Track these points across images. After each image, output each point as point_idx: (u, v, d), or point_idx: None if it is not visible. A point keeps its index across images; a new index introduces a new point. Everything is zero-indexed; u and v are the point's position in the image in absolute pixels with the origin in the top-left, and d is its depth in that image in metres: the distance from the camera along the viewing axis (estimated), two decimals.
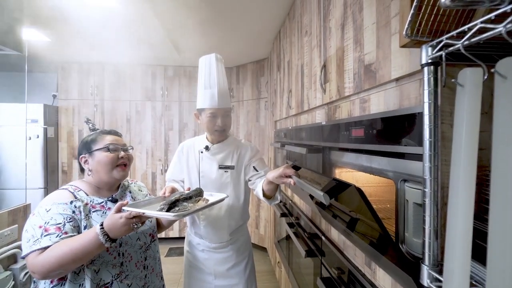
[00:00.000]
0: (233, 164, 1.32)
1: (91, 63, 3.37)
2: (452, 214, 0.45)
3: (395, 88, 0.73)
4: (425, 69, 0.54)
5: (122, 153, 1.00)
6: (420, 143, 0.63)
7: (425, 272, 0.53)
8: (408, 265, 0.64)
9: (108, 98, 3.41)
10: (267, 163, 3.12)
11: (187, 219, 1.39)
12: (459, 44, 0.44)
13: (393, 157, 0.73)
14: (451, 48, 0.47)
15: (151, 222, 1.09)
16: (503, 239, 0.35)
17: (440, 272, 0.52)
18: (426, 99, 0.54)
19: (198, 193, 1.04)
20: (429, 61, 0.53)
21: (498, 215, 0.36)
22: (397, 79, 0.72)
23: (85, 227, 0.88)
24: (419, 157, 0.64)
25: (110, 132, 1.03)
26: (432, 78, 0.53)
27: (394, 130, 0.71)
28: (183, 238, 3.64)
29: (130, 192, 1.09)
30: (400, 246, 0.71)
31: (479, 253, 0.52)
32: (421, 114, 0.62)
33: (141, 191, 1.16)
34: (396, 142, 0.70)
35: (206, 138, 1.36)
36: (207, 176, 1.31)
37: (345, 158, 1.04)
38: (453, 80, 0.45)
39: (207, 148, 1.31)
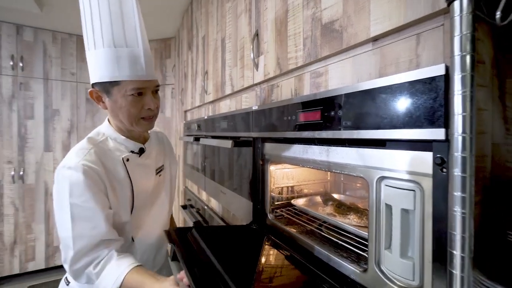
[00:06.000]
0: (162, 162, 0.93)
1: None
2: None
3: (372, 52, 0.53)
4: (456, 3, 0.35)
5: None
6: (413, 124, 0.44)
7: None
8: None
9: None
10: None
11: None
12: None
13: (367, 146, 0.54)
14: None
15: None
16: None
17: None
18: (456, 51, 0.34)
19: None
20: None
21: None
22: (375, 39, 0.52)
23: None
24: (410, 145, 0.47)
25: None
26: (467, 17, 0.34)
27: (374, 108, 0.51)
28: (51, 268, 2.63)
29: None
30: (376, 269, 0.52)
31: None
32: (418, 82, 0.44)
33: None
34: (375, 126, 0.51)
35: (123, 136, 0.80)
36: (143, 192, 0.82)
37: (285, 152, 0.81)
38: None
39: (142, 150, 0.82)
